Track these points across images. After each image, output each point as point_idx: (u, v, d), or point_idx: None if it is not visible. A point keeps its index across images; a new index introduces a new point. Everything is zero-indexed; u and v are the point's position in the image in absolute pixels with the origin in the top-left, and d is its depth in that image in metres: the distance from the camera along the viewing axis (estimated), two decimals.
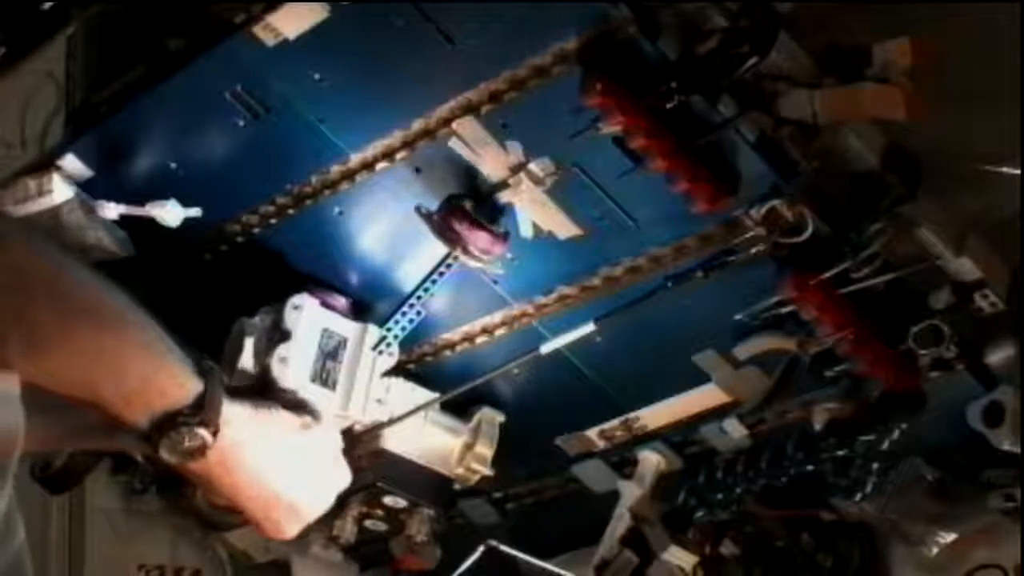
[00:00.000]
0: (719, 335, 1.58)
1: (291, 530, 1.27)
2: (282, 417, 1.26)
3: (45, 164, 1.66)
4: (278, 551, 2.06)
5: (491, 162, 1.54)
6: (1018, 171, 1.40)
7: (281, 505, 1.24)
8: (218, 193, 1.67)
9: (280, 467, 1.23)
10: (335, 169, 1.62)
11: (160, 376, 1.15)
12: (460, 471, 1.76)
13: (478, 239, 1.53)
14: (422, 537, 1.77)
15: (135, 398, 1.14)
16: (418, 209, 1.58)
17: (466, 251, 1.53)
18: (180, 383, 1.16)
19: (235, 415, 1.19)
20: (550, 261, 1.60)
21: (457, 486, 1.79)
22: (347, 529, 1.79)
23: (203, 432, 1.17)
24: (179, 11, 1.60)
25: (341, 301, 1.68)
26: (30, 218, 1.62)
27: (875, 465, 1.52)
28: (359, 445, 1.70)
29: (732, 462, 1.66)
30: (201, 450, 1.17)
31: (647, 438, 1.73)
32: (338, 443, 1.33)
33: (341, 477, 1.31)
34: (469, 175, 1.55)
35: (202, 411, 1.16)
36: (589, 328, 1.55)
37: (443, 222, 1.54)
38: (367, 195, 1.63)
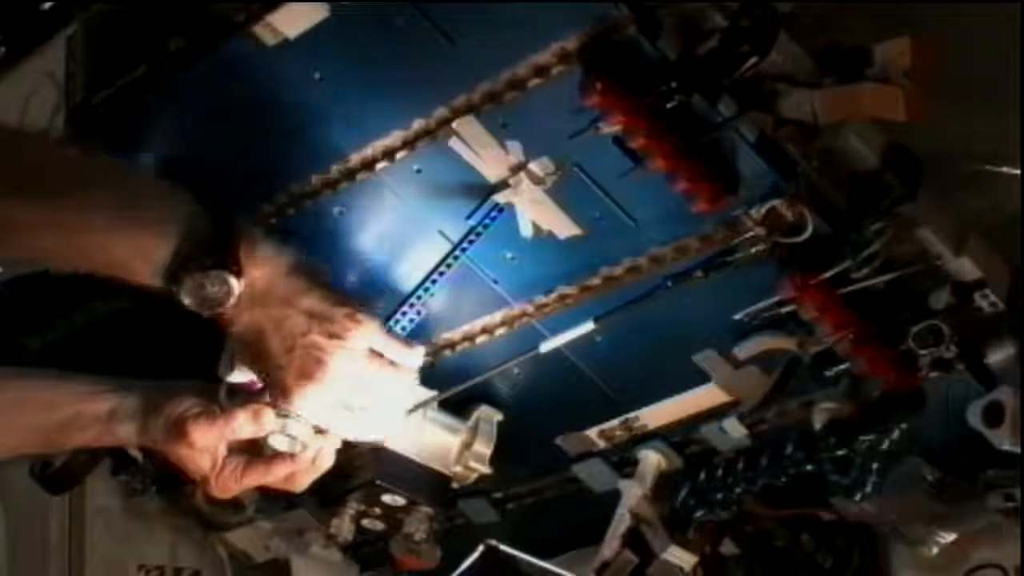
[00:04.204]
0: (719, 335, 1.58)
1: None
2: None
3: None
4: (278, 551, 2.06)
5: (491, 162, 1.54)
6: (1018, 171, 1.40)
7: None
8: (218, 193, 1.67)
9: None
10: (335, 169, 1.62)
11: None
12: (458, 469, 1.76)
13: None
14: (420, 536, 1.77)
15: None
16: None
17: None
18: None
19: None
20: (550, 261, 1.60)
21: (455, 485, 1.79)
22: (345, 528, 1.79)
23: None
24: (179, 11, 1.60)
25: None
26: None
27: (875, 465, 1.51)
28: (357, 442, 1.70)
29: (732, 462, 1.66)
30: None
31: (647, 438, 1.73)
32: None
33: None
34: (471, 174, 1.55)
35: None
36: (589, 327, 1.55)
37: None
38: (367, 195, 1.63)
